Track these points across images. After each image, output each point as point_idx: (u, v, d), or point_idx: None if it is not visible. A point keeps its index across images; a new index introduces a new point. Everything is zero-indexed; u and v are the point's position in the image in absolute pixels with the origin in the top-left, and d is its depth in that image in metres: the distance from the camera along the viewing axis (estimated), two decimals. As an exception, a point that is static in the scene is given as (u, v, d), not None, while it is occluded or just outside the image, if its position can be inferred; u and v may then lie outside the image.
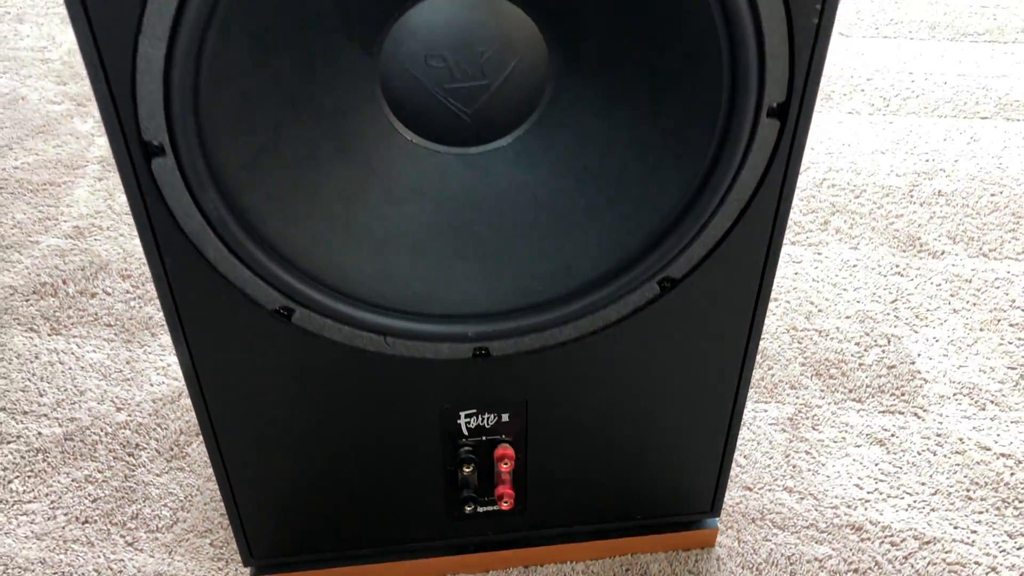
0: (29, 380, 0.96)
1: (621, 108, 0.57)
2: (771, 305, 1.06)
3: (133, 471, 0.88)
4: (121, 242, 1.14)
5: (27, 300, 1.06)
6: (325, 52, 0.53)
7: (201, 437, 0.85)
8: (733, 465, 0.89)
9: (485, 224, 0.62)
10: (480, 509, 0.74)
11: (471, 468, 0.70)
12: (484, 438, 0.70)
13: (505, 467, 0.70)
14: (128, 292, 1.07)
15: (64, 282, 1.08)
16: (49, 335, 1.02)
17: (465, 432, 0.70)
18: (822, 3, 0.50)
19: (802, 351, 1.01)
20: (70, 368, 0.98)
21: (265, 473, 0.70)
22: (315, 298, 0.60)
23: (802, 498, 0.86)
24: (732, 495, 0.86)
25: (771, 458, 0.90)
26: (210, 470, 0.88)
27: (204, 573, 0.79)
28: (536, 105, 0.59)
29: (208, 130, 0.52)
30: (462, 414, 0.69)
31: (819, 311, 1.05)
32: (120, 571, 0.79)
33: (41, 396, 0.95)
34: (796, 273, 1.10)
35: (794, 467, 0.89)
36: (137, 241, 1.14)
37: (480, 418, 0.69)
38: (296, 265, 0.59)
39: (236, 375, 0.63)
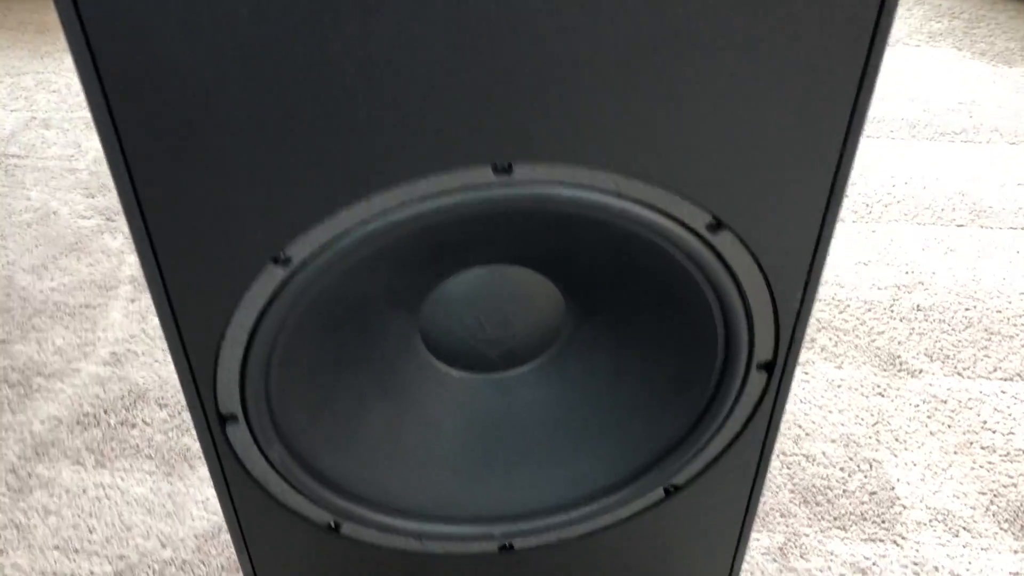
0: (79, 516, 1.05)
1: (627, 355, 0.66)
2: (762, 428, 1.15)
3: (181, 610, 0.96)
4: (156, 368, 1.22)
5: (72, 432, 1.14)
6: (375, 323, 0.62)
7: (241, 574, 0.93)
8: (729, 597, 0.98)
9: (509, 440, 0.71)
10: (503, 666, 0.83)
11: (496, 637, 0.79)
12: (508, 611, 0.79)
13: (526, 635, 0.79)
14: (165, 422, 1.15)
15: (105, 412, 1.16)
16: (94, 468, 1.10)
17: (491, 606, 0.78)
18: (802, 294, 0.59)
19: (791, 477, 1.09)
20: (116, 503, 1.06)
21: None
22: (360, 513, 0.69)
23: (791, 629, 0.95)
24: (728, 628, 0.95)
25: (763, 588, 0.98)
26: (251, 607, 0.96)
27: None
28: (554, 343, 0.67)
29: (275, 398, 0.60)
30: (488, 592, 0.78)
31: (806, 435, 1.14)
32: None
33: (91, 533, 1.03)
34: (785, 394, 1.19)
35: (784, 597, 0.97)
36: (171, 367, 1.22)
37: (504, 594, 0.78)
38: (344, 488, 0.67)
39: (292, 574, 0.72)
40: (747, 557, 1.01)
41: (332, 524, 0.69)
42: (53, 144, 1.62)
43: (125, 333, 1.27)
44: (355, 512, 0.68)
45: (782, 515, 1.05)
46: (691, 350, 0.64)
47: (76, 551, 1.01)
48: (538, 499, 0.72)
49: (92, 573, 0.99)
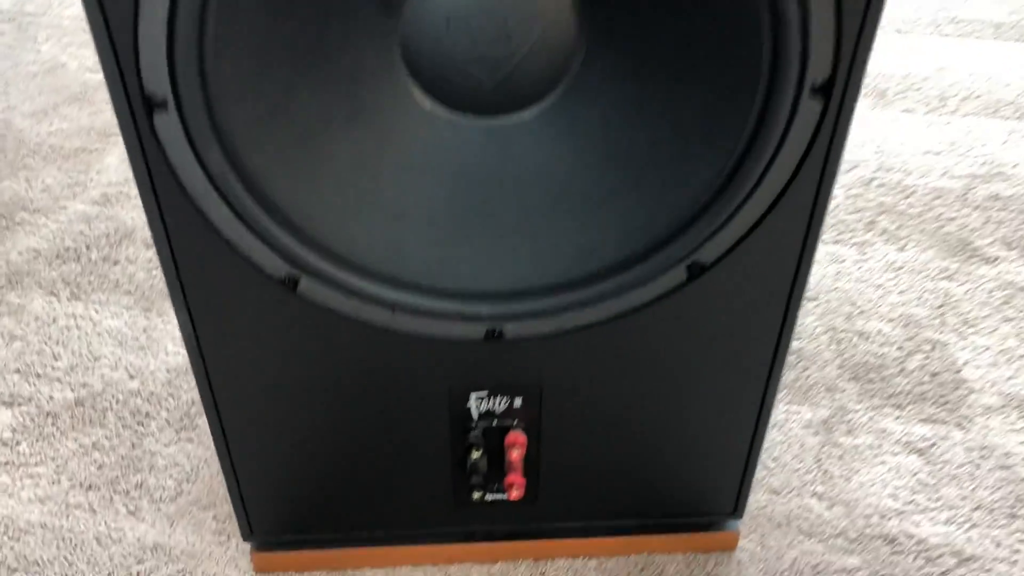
0: (45, 343, 0.95)
1: (652, 81, 0.53)
2: (810, 304, 1.02)
3: (141, 440, 0.86)
4: (148, 210, 1.13)
5: (50, 264, 1.05)
6: (342, 10, 0.50)
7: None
8: (761, 468, 0.85)
9: (504, 200, 0.59)
10: (489, 497, 0.71)
11: (480, 453, 0.67)
12: (495, 423, 0.67)
13: (516, 455, 0.67)
14: (150, 261, 1.06)
15: (88, 248, 1.07)
16: (69, 300, 1.01)
17: (475, 415, 0.67)
18: (875, -32, 0.46)
19: (840, 353, 0.96)
20: (86, 333, 0.97)
21: (267, 448, 0.68)
22: (321, 267, 0.57)
23: (832, 505, 0.82)
24: (757, 498, 0.82)
25: (801, 462, 0.85)
26: (220, 444, 0.86)
27: (204, 546, 0.77)
28: (563, 76, 0.55)
29: (214, 86, 0.49)
30: (472, 396, 0.66)
31: (860, 312, 1.01)
32: (119, 539, 0.77)
33: (56, 360, 0.94)
34: (838, 272, 1.06)
35: (825, 472, 0.84)
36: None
37: (491, 401, 0.66)
38: (303, 232, 0.56)
39: (239, 345, 0.61)
40: (784, 428, 0.88)
41: (287, 278, 0.58)
42: (71, 5, 1.55)
43: (120, 177, 1.18)
44: (314, 264, 0.57)
45: (828, 390, 0.92)
46: (728, 67, 0.52)
47: (38, 376, 0.92)
48: (535, 275, 0.60)
49: (51, 399, 0.90)
